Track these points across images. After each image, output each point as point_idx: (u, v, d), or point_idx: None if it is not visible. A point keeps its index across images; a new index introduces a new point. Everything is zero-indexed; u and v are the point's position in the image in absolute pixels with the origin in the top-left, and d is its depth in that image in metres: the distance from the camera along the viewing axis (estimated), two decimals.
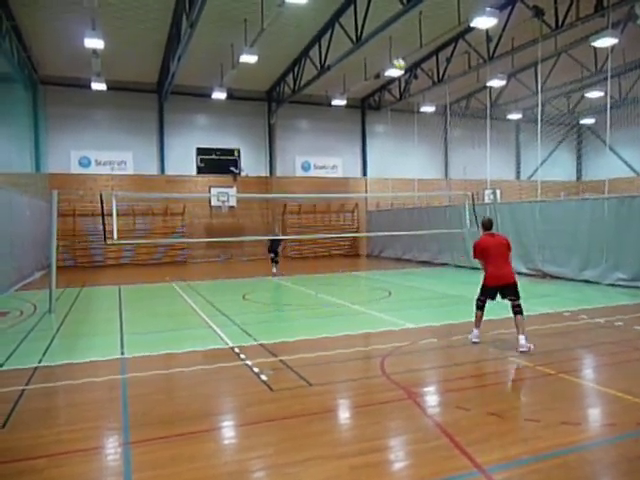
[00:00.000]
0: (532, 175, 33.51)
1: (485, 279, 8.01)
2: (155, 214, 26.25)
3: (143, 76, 25.35)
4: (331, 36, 19.89)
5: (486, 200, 23.28)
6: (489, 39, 20.39)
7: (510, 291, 7.82)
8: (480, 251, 8.05)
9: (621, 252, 14.01)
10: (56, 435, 4.87)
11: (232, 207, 27.39)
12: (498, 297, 8.02)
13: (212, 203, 27.05)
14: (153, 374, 6.83)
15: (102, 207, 11.75)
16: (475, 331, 8.05)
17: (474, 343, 7.95)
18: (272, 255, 18.98)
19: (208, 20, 17.75)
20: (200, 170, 27.09)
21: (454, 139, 32.15)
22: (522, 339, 7.48)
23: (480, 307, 8.05)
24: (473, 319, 8.13)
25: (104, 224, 11.76)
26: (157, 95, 26.44)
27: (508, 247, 8.17)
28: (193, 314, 11.32)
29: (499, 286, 7.88)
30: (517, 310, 7.73)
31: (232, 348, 8.01)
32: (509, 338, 8.35)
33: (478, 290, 8.10)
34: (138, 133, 26.30)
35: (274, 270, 18.63)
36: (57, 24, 18.61)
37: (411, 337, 8.55)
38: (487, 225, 8.33)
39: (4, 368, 7.17)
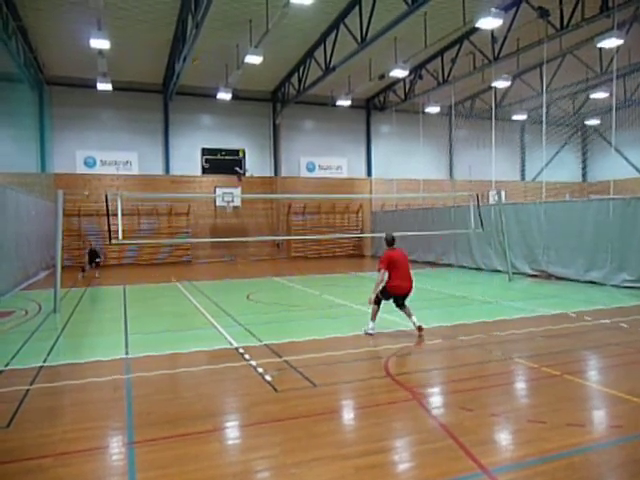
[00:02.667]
0: (537, 176, 33.40)
1: (391, 289, 8.83)
2: (160, 214, 26.30)
3: (148, 76, 25.41)
4: (336, 37, 19.88)
5: (491, 201, 23.26)
6: (494, 40, 20.36)
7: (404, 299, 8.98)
8: (389, 263, 8.81)
9: (626, 253, 13.96)
10: (61, 434, 4.88)
11: (237, 207, 27.43)
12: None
13: (217, 203, 27.10)
14: (157, 374, 6.84)
15: (107, 207, 11.79)
16: (371, 323, 8.91)
17: (370, 335, 8.75)
18: None
19: (213, 21, 17.77)
20: (205, 170, 27.10)
21: (459, 140, 32.11)
22: (414, 318, 8.79)
23: (377, 303, 8.94)
24: (370, 314, 8.96)
25: (109, 224, 11.79)
26: (162, 95, 26.49)
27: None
28: (198, 314, 11.33)
29: (403, 295, 8.94)
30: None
31: (236, 348, 8.02)
32: (513, 339, 8.34)
33: (378, 294, 8.83)
34: (143, 133, 26.36)
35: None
36: (63, 24, 18.67)
37: (415, 338, 8.55)
38: (390, 241, 9.31)
39: (9, 367, 7.19)
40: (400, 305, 8.97)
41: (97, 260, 19.91)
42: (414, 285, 9.01)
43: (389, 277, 8.73)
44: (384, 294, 8.88)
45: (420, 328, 8.66)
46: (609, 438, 4.70)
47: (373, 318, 8.90)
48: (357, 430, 5.05)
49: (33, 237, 18.29)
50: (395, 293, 8.85)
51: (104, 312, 12.03)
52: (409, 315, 8.87)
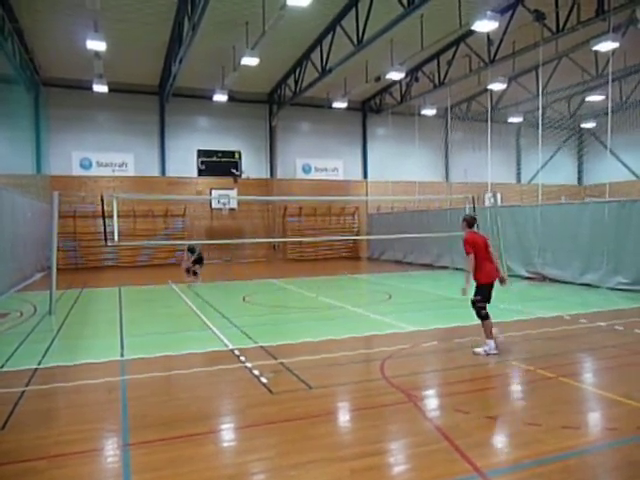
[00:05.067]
0: (533, 178, 33.52)
1: (482, 277, 7.59)
2: (156, 216, 26.27)
3: (145, 78, 25.38)
4: (332, 39, 19.92)
5: (487, 203, 23.30)
6: (490, 42, 20.42)
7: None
8: (472, 246, 7.64)
9: (622, 256, 14.01)
10: (56, 437, 4.86)
11: (233, 209, 27.43)
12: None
13: (213, 205, 27.10)
14: (153, 376, 6.82)
15: (103, 209, 11.77)
16: (491, 342, 7.53)
17: (494, 355, 7.43)
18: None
19: (210, 22, 17.76)
20: (201, 172, 27.09)
21: (455, 142, 32.17)
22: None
23: (485, 317, 7.59)
24: (483, 328, 7.62)
25: (105, 226, 11.77)
26: (158, 97, 26.48)
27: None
28: (193, 316, 11.31)
29: (492, 283, 7.68)
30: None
31: (232, 350, 8.00)
32: (510, 341, 8.35)
33: (473, 296, 7.63)
34: (139, 135, 26.33)
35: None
36: (59, 26, 18.63)
37: (411, 340, 8.55)
38: (471, 222, 8.15)
39: (4, 369, 7.16)
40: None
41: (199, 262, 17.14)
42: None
43: (477, 266, 7.54)
44: (483, 291, 7.59)
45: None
46: (605, 440, 4.70)
47: (490, 335, 7.53)
48: (353, 432, 5.04)
49: (29, 239, 18.24)
50: (492, 279, 7.63)
51: (99, 314, 11.99)
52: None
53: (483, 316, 7.56)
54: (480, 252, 7.60)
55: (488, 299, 7.65)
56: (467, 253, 7.56)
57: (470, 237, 7.73)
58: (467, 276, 7.59)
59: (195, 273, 16.94)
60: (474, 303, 7.62)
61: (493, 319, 7.65)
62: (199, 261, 17.06)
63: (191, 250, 17.08)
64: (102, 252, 24.51)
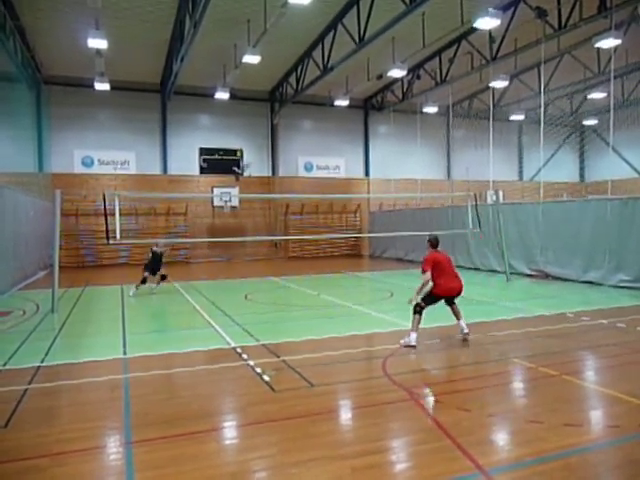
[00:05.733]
0: (535, 176, 33.46)
1: (440, 290, 8.32)
2: (158, 214, 26.28)
3: (146, 76, 25.38)
4: (334, 37, 19.89)
5: (488, 201, 23.27)
6: (492, 40, 20.38)
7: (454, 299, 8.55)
8: (432, 264, 8.29)
9: (624, 253, 13.98)
10: (58, 434, 4.87)
11: (234, 207, 27.43)
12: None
13: (214, 203, 27.11)
14: (155, 374, 6.83)
15: (105, 207, 11.78)
16: (414, 335, 8.04)
17: (412, 347, 7.90)
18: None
19: (211, 20, 17.76)
20: (203, 170, 27.08)
21: (457, 140, 32.17)
22: (462, 323, 8.37)
23: (419, 312, 8.23)
24: (411, 324, 8.17)
25: (107, 224, 11.78)
26: (160, 95, 26.48)
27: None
28: (195, 314, 11.32)
29: (452, 295, 8.49)
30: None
31: (234, 348, 8.01)
32: (511, 339, 8.35)
33: (420, 300, 8.24)
34: (141, 133, 26.34)
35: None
36: (61, 24, 18.64)
37: None
38: (434, 243, 8.80)
39: (7, 367, 7.18)
40: (451, 304, 8.57)
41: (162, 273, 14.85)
42: (415, 286, 8.95)
43: (434, 280, 8.23)
44: (430, 299, 8.35)
45: (466, 335, 8.34)
46: (607, 438, 4.70)
47: (415, 328, 8.07)
48: (354, 430, 5.05)
49: (31, 237, 18.26)
50: (446, 294, 8.41)
51: (102, 312, 12.01)
52: (458, 317, 8.51)
53: (417, 311, 8.18)
54: (443, 269, 8.32)
55: (430, 304, 8.38)
56: (423, 271, 8.22)
57: (431, 257, 8.38)
58: (418, 289, 8.19)
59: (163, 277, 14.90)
60: (417, 305, 8.20)
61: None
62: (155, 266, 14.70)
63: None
64: (104, 250, 24.52)
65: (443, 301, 8.50)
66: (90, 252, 24.86)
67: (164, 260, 15.01)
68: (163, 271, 14.77)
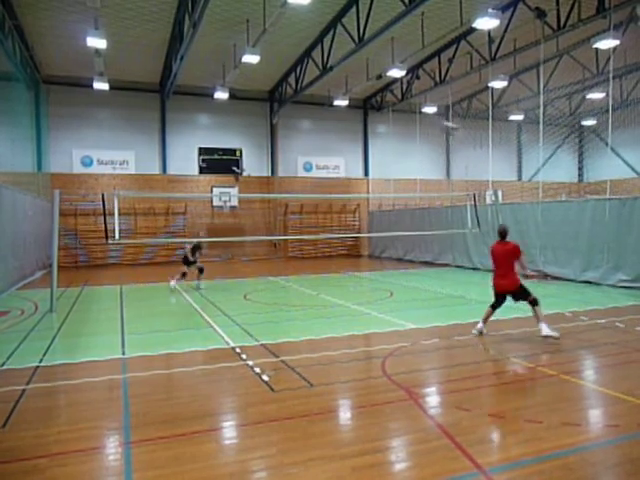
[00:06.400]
0: (534, 176, 33.48)
1: (493, 285, 8.56)
2: (157, 214, 26.26)
3: (145, 76, 25.36)
4: (333, 36, 19.88)
5: (488, 201, 23.27)
6: (491, 40, 20.39)
7: (517, 296, 8.38)
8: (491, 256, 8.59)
9: (622, 253, 14.00)
10: (57, 435, 4.87)
11: (234, 207, 27.44)
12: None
13: (214, 203, 27.10)
14: (154, 374, 6.83)
15: (104, 206, 11.77)
16: (479, 324, 8.55)
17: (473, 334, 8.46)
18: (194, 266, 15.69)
19: (210, 20, 17.76)
20: (202, 170, 27.09)
21: (456, 140, 32.15)
22: (543, 326, 8.09)
23: (492, 306, 8.59)
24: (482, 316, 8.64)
25: (106, 224, 11.77)
26: (159, 95, 26.45)
27: (513, 254, 8.40)
28: (194, 314, 11.32)
29: (501, 292, 8.45)
30: (531, 303, 8.24)
31: (233, 348, 8.01)
32: (510, 339, 8.36)
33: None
34: (140, 133, 26.32)
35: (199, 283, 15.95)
36: (60, 23, 18.63)
37: (412, 338, 8.55)
38: (500, 232, 8.68)
39: (5, 367, 7.18)
40: (517, 301, 8.44)
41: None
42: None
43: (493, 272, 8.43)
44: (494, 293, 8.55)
45: (550, 337, 8.03)
46: (606, 438, 4.71)
47: (537, 319, 8.21)
48: (354, 430, 5.05)
49: (30, 237, 18.24)
50: (495, 290, 8.49)
51: (100, 312, 12.00)
52: (537, 319, 8.22)
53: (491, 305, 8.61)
54: (494, 262, 8.51)
55: (497, 303, 8.55)
56: None
57: (490, 248, 8.65)
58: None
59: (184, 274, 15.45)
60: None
61: (495, 316, 7.80)
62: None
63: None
64: (103, 250, 24.52)
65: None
66: (88, 252, 24.82)
67: (198, 256, 15.69)
68: (198, 264, 15.61)
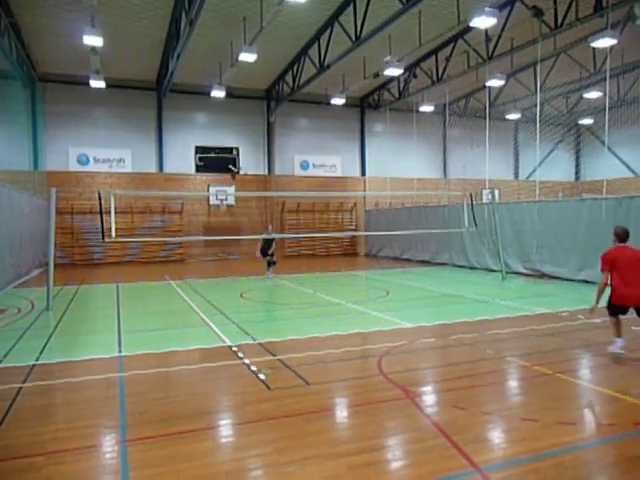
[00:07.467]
0: (530, 175, 33.52)
1: (614, 297, 6.96)
2: (153, 212, 26.21)
3: (142, 74, 25.29)
4: (330, 35, 19.86)
5: (484, 200, 23.34)
6: (488, 39, 20.39)
7: None
8: (610, 263, 6.93)
9: None
10: (54, 433, 4.87)
11: (230, 205, 27.41)
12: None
13: (211, 201, 27.07)
14: (151, 372, 6.83)
15: (100, 205, 11.75)
16: (618, 341, 7.03)
17: (617, 354, 7.02)
18: (268, 258, 17.60)
19: (207, 18, 17.72)
20: (199, 168, 27.05)
21: (453, 139, 32.19)
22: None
23: (613, 314, 7.10)
24: (612, 330, 7.17)
25: (102, 222, 11.76)
26: (156, 93, 26.39)
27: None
28: (191, 312, 11.31)
29: (636, 305, 6.86)
30: None
31: (230, 347, 8.01)
32: (506, 338, 8.37)
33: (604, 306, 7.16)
34: (137, 131, 26.26)
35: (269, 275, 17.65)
36: (56, 21, 18.57)
37: (409, 336, 8.56)
38: (620, 235, 7.12)
39: (1, 365, 7.16)
40: None
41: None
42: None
43: (612, 283, 6.85)
44: (612, 308, 7.02)
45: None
46: (601, 436, 4.73)
47: (617, 333, 7.01)
48: (350, 428, 5.06)
49: (26, 235, 18.20)
50: (621, 302, 6.88)
51: (97, 310, 11.99)
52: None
53: (611, 313, 7.06)
54: (623, 270, 6.81)
55: (615, 315, 7.09)
56: (601, 270, 6.98)
57: (609, 254, 6.99)
58: (596, 293, 6.98)
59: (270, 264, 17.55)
60: (608, 307, 7.10)
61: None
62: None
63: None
64: (100, 248, 24.48)
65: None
66: (85, 250, 24.77)
67: (274, 246, 17.63)
68: (272, 257, 17.33)
